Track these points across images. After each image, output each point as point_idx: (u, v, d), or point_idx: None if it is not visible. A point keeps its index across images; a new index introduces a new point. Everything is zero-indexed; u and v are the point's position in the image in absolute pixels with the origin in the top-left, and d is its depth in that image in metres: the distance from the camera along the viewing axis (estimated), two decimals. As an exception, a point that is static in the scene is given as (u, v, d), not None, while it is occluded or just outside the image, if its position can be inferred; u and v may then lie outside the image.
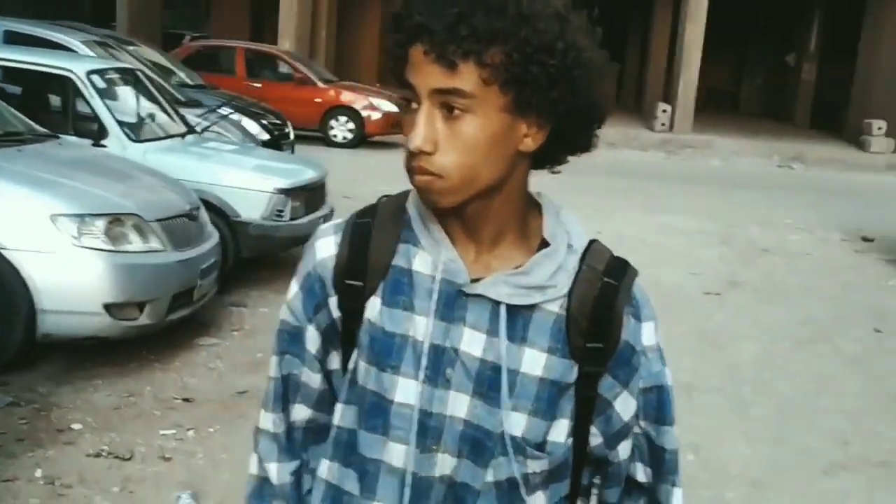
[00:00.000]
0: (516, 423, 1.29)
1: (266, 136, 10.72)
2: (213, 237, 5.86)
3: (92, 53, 9.25)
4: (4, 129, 5.84)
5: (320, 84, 17.28)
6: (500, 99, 1.20)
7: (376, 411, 1.31)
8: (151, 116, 7.56)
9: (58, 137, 6.18)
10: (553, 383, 1.30)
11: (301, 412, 1.43)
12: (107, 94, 7.04)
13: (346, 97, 17.28)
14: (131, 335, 5.15)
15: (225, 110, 9.84)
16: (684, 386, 5.69)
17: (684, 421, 4.44)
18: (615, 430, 1.37)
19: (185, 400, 4.82)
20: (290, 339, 1.41)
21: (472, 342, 1.29)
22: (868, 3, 23.89)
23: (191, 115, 8.57)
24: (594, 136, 1.34)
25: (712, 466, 4.64)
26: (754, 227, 11.95)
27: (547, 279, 1.29)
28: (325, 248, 1.36)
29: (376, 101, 17.12)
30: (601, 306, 1.30)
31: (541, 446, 1.32)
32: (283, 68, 17.58)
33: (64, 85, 6.91)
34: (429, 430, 1.30)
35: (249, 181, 6.93)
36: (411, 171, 1.24)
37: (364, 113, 16.90)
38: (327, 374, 1.40)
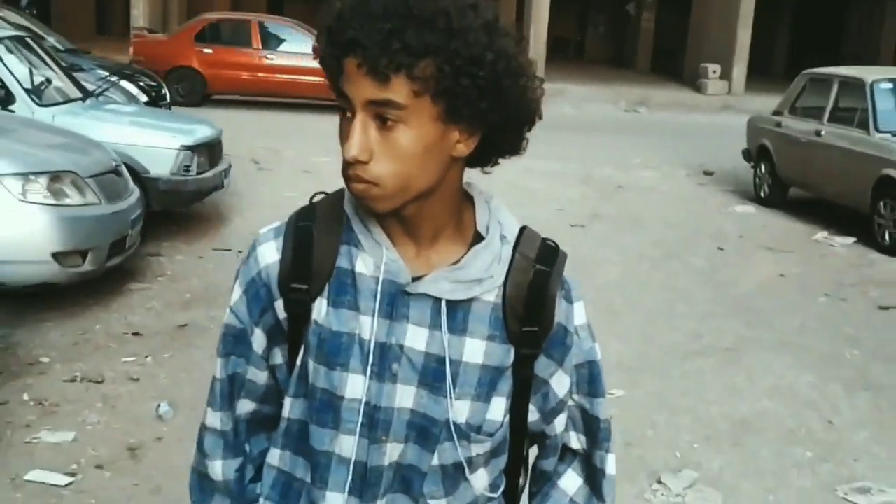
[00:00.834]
0: (460, 410, 1.35)
1: (145, 98, 11.05)
2: (136, 191, 6.38)
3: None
4: None
5: None
6: (432, 109, 1.24)
7: (327, 407, 1.36)
8: (49, 81, 7.88)
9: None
10: (493, 368, 1.36)
11: (246, 406, 1.48)
12: (5, 60, 7.34)
13: None
14: (76, 281, 5.69)
15: (113, 77, 10.14)
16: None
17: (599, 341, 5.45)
18: (552, 406, 1.44)
19: (135, 334, 5.43)
20: (234, 342, 1.45)
21: (415, 337, 1.33)
22: (700, -48, 25.48)
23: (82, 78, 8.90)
24: (524, 139, 1.40)
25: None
26: (609, 167, 12.98)
27: (483, 272, 1.34)
28: (269, 253, 1.40)
29: None
30: (535, 292, 1.36)
31: (482, 429, 1.38)
32: (298, 39, 17.11)
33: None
34: (378, 423, 1.35)
35: (157, 139, 7.40)
36: (348, 178, 1.27)
37: None
38: (272, 370, 1.45)
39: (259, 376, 1.44)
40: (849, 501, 4.09)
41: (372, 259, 1.33)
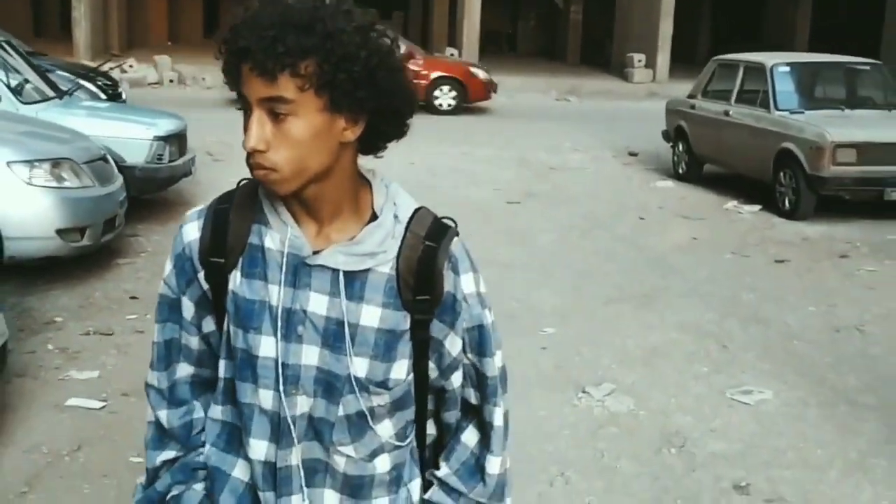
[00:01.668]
0: (359, 366, 1.52)
1: (103, 96, 11.73)
2: (121, 177, 7.17)
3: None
4: None
5: (421, 55, 18.43)
6: (317, 101, 1.41)
7: (245, 365, 1.54)
8: (27, 81, 8.59)
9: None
10: (389, 332, 1.52)
11: (185, 369, 1.65)
12: (-9, 64, 8.06)
13: (449, 68, 18.57)
14: (76, 254, 6.49)
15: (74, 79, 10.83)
16: (506, 265, 7.61)
17: (509, 287, 6.62)
18: (447, 363, 1.60)
19: (132, 297, 6.27)
20: (168, 309, 1.63)
21: (317, 303, 1.50)
22: (623, -52, 26.58)
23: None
24: (405, 125, 1.55)
25: (533, 310, 6.53)
26: (542, 151, 13.91)
27: (377, 246, 1.50)
28: (191, 231, 1.58)
29: (474, 70, 18.59)
30: (424, 265, 1.52)
31: (383, 384, 1.54)
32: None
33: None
34: (288, 378, 1.52)
35: (132, 131, 8.14)
36: (251, 166, 1.45)
37: (467, 81, 18.21)
38: (204, 337, 1.62)
39: (192, 341, 1.62)
40: (734, 400, 5.10)
41: (278, 235, 1.51)
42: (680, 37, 25.29)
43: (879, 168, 9.47)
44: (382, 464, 1.60)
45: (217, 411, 1.63)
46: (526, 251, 8.30)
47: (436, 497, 1.66)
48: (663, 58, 24.21)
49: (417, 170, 11.68)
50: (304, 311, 1.50)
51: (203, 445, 1.65)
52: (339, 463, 1.57)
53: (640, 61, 24.01)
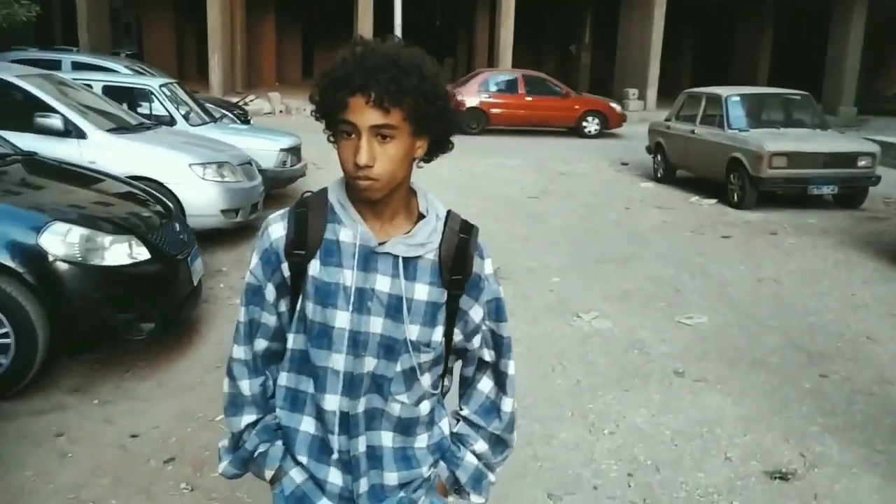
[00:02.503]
0: (413, 331, 1.54)
1: (238, 122, 12.69)
2: (260, 176, 8.07)
3: (128, 72, 11.03)
4: (139, 121, 7.78)
5: (574, 96, 19.54)
6: (410, 127, 1.45)
7: (322, 334, 1.53)
8: (191, 110, 9.57)
9: (157, 125, 8.21)
10: (433, 304, 1.55)
11: (261, 344, 1.63)
12: (169, 97, 9.04)
13: (596, 104, 19.56)
14: (233, 227, 7.37)
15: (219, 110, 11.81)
16: (526, 238, 8.37)
17: (528, 252, 7.49)
18: (471, 329, 1.63)
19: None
20: (253, 294, 1.61)
21: (382, 283, 1.51)
22: (621, 7, 26.91)
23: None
24: (451, 142, 1.58)
25: (544, 266, 7.29)
26: (555, 161, 14.45)
27: (426, 238, 1.53)
28: (277, 230, 1.56)
29: (613, 105, 19.74)
30: (459, 252, 1.55)
31: (428, 345, 1.56)
32: (548, 86, 19.42)
33: (145, 94, 8.89)
34: (358, 344, 1.53)
35: (265, 145, 8.97)
36: (356, 178, 1.45)
37: (608, 113, 19.24)
38: (280, 315, 1.60)
39: (270, 319, 1.61)
40: (680, 322, 5.84)
41: (351, 231, 1.51)
42: (667, 75, 25.62)
43: (804, 171, 10.05)
44: (424, 407, 1.62)
45: (284, 378, 1.62)
46: (540, 229, 9.03)
47: (462, 430, 1.71)
48: (652, 91, 24.59)
49: (463, 174, 12.45)
50: (373, 290, 1.51)
51: (274, 409, 1.65)
52: (395, 409, 1.58)
53: (633, 94, 24.31)
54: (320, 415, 1.58)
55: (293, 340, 1.58)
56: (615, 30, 27.20)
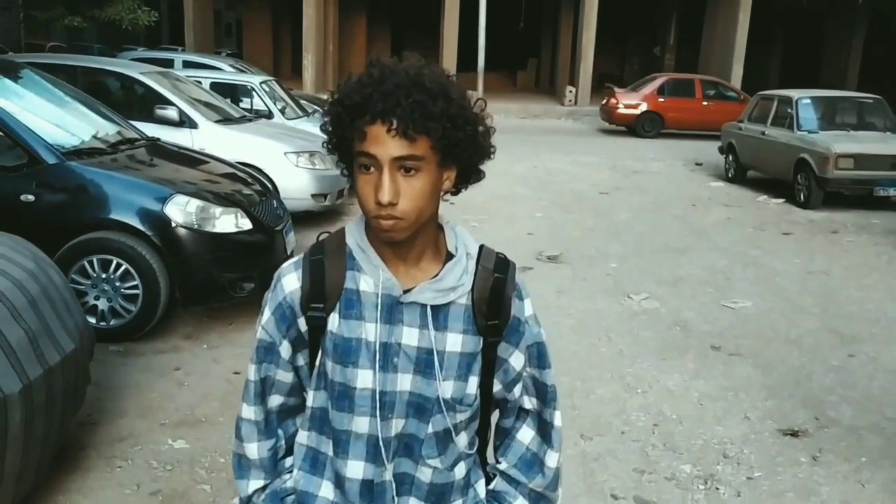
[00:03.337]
0: (447, 388, 1.37)
1: (328, 117, 13.59)
2: (346, 165, 8.85)
3: (231, 70, 12.03)
4: (241, 114, 8.67)
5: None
6: (437, 157, 1.27)
7: (343, 396, 1.37)
8: (286, 105, 10.44)
9: (257, 118, 9.08)
10: (468, 354, 1.38)
11: (276, 400, 1.47)
12: (268, 94, 9.93)
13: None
14: (322, 210, 8.16)
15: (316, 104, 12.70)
16: (591, 229, 8.87)
17: (591, 241, 8.08)
18: (511, 378, 1.45)
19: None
20: (266, 352, 1.43)
21: (409, 336, 1.35)
22: (707, 8, 26.85)
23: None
24: (482, 171, 1.40)
25: (604, 254, 7.77)
26: (629, 160, 14.76)
27: (456, 281, 1.36)
28: (291, 282, 1.39)
29: None
30: (495, 294, 1.38)
31: (463, 401, 1.39)
32: (722, 91, 20.01)
33: (247, 90, 9.81)
34: (385, 405, 1.36)
35: None
36: (378, 217, 1.26)
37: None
38: (297, 370, 1.45)
39: (286, 377, 1.45)
40: (725, 306, 6.25)
41: (372, 279, 1.34)
42: (754, 78, 25.45)
43: (870, 172, 10.19)
44: (459, 471, 1.46)
45: (304, 437, 1.46)
46: (606, 221, 9.48)
47: (500, 487, 1.53)
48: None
49: (538, 171, 13.03)
50: (399, 344, 1.35)
51: (288, 471, 1.49)
52: (427, 474, 1.42)
53: (716, 96, 24.34)
54: (339, 482, 1.42)
55: (313, 398, 1.43)
56: (700, 32, 27.12)
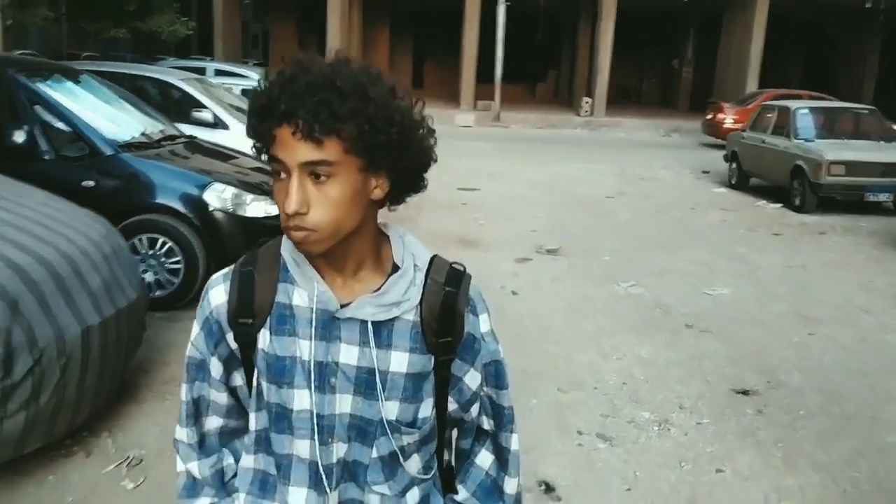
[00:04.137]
0: (391, 410, 1.28)
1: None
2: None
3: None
4: None
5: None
6: (355, 162, 1.17)
7: (280, 418, 1.30)
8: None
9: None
10: (416, 375, 1.29)
11: (215, 422, 1.40)
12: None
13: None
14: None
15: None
16: (591, 227, 9.57)
17: (590, 237, 8.88)
18: (467, 398, 1.38)
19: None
20: (196, 369, 1.36)
21: (348, 354, 1.26)
22: (723, 23, 27.53)
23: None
24: (425, 179, 1.30)
25: (599, 248, 8.42)
26: (638, 167, 15.38)
27: (401, 296, 1.26)
28: (218, 295, 1.31)
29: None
30: (446, 310, 1.29)
31: (412, 424, 1.31)
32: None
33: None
34: (324, 428, 1.28)
35: None
36: (288, 228, 1.19)
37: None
38: (232, 391, 1.37)
39: (220, 397, 1.37)
40: (705, 293, 6.91)
41: (306, 292, 1.26)
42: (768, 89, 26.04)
43: (861, 178, 10.79)
44: (412, 497, 1.37)
45: (249, 460, 1.38)
46: (607, 221, 10.15)
47: None
48: (749, 106, 25.08)
49: (548, 176, 13.73)
50: (336, 363, 1.27)
51: (234, 491, 1.41)
52: (374, 501, 1.34)
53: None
54: None
55: (256, 420, 1.35)
56: (716, 47, 27.79)
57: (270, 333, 1.28)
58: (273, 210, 5.99)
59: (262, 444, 1.34)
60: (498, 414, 1.42)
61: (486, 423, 1.43)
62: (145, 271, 5.63)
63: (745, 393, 4.86)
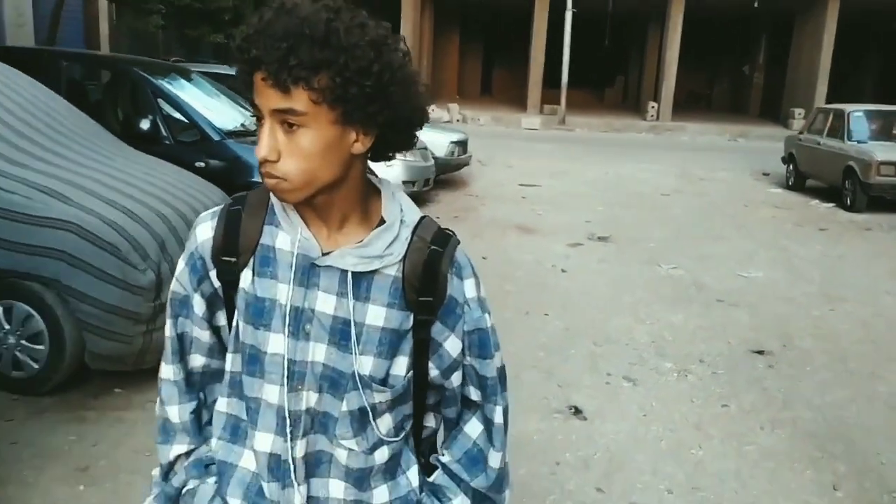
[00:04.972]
0: (364, 364, 1.26)
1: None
2: (432, 160, 10.53)
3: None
4: None
5: None
6: (329, 114, 1.14)
7: (254, 360, 1.28)
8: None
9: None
10: (393, 331, 1.27)
11: (198, 360, 1.38)
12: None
13: None
14: (411, 195, 9.86)
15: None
16: (641, 219, 10.26)
17: (641, 228, 9.65)
18: (447, 364, 1.34)
19: (455, 217, 9.59)
20: (180, 305, 1.35)
21: (325, 303, 1.25)
22: (794, 30, 27.57)
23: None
24: (415, 136, 1.28)
25: (648, 237, 9.14)
26: (699, 169, 15.82)
27: (383, 250, 1.25)
28: (204, 232, 1.31)
29: None
30: (428, 268, 1.27)
31: (384, 381, 1.29)
32: None
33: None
34: (295, 374, 1.27)
35: (439, 137, 11.35)
36: (262, 175, 1.19)
37: None
38: (216, 330, 1.36)
39: (203, 335, 1.35)
40: (739, 275, 7.59)
41: (289, 237, 1.26)
42: (846, 97, 25.83)
43: (912, 179, 11.24)
44: (381, 455, 1.34)
45: (223, 404, 1.35)
46: (659, 214, 10.78)
47: (440, 481, 1.40)
48: (819, 112, 25.12)
49: (608, 176, 14.40)
50: (313, 310, 1.24)
51: (210, 437, 1.38)
52: (342, 456, 1.31)
53: (799, 114, 24.84)
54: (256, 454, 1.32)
55: (231, 361, 1.33)
56: (787, 53, 27.85)
57: (253, 274, 1.27)
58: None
59: (236, 387, 1.33)
60: (482, 384, 1.37)
61: (474, 394, 1.38)
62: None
63: (760, 353, 5.56)
